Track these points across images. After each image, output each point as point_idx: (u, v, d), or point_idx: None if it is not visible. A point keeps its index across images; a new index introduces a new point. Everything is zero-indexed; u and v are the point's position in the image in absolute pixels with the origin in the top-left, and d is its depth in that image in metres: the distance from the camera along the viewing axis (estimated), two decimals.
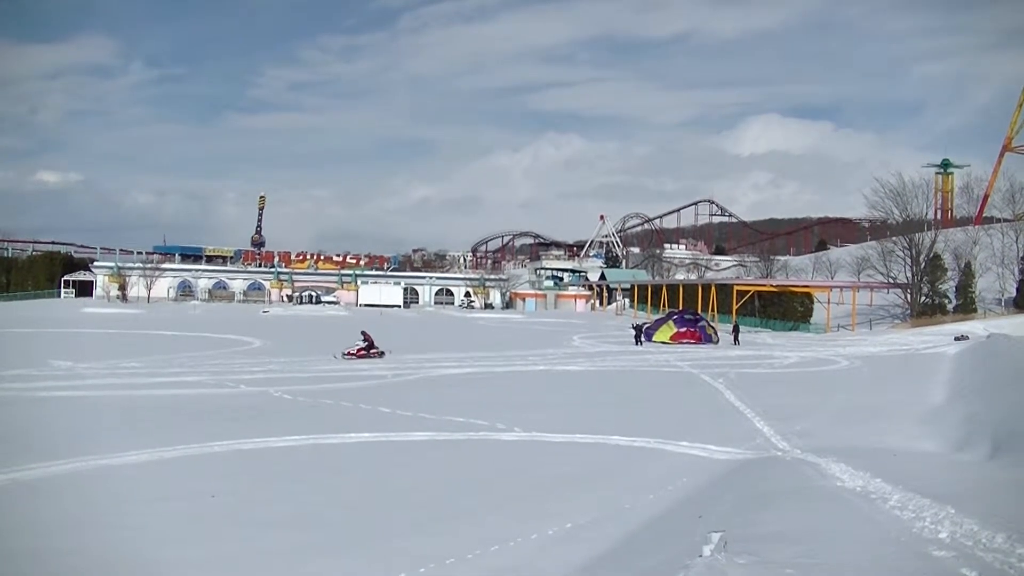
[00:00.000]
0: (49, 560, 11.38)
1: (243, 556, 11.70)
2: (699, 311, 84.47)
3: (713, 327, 66.97)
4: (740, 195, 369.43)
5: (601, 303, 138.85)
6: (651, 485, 15.94)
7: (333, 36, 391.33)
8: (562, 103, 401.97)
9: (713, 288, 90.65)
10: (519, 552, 11.93)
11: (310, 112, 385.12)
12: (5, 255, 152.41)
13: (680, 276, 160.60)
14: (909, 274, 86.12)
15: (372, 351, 44.57)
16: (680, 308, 69.22)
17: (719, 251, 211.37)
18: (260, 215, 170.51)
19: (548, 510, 14.09)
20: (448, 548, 11.93)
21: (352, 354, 43.73)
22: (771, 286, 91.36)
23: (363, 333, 46.07)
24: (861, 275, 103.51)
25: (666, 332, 62.89)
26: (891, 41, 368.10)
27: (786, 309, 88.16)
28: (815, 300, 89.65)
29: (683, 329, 63.23)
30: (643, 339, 60.07)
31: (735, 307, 79.91)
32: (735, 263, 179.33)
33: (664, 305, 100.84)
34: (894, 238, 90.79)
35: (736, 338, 62.99)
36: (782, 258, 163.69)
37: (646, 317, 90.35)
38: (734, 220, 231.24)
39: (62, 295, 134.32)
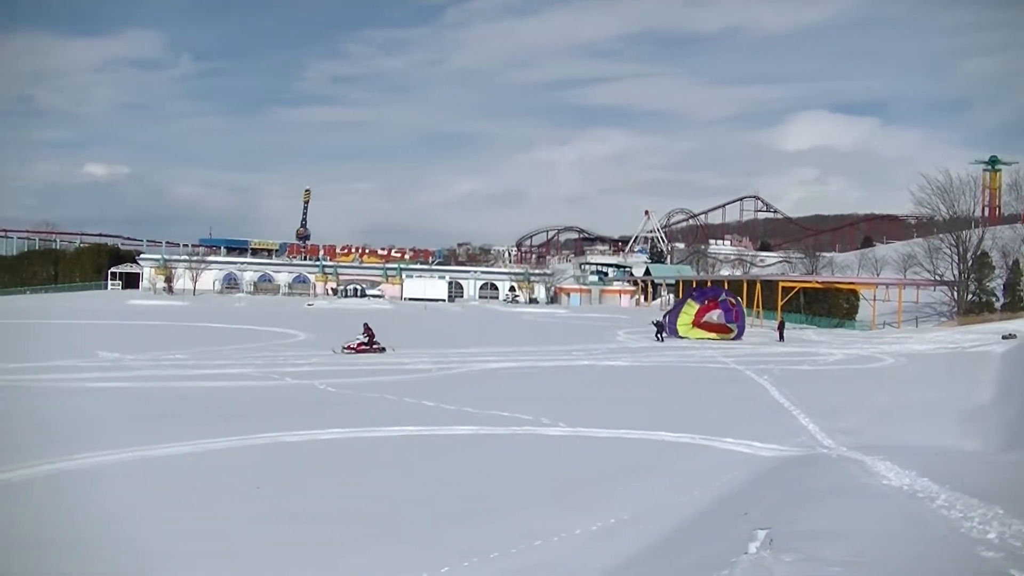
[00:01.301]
0: (94, 550, 11.46)
1: (287, 548, 11.76)
2: (744, 307, 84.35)
3: (738, 301, 66.18)
4: (786, 191, 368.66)
5: (646, 298, 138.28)
6: (696, 481, 15.87)
7: (378, 30, 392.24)
8: (607, 98, 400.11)
9: (758, 284, 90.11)
10: (563, 547, 11.92)
11: (355, 106, 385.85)
12: (53, 247, 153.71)
13: (725, 272, 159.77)
14: (956, 271, 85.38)
15: (374, 345, 43.86)
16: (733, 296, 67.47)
17: (764, 247, 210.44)
18: (305, 208, 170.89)
19: (592, 505, 14.05)
20: (492, 542, 11.94)
21: (352, 348, 43.02)
22: (816, 283, 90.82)
23: (365, 326, 45.24)
24: (907, 272, 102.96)
25: (688, 313, 62.57)
26: (938, 36, 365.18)
27: (831, 306, 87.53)
28: (861, 297, 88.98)
29: (705, 303, 62.79)
30: (664, 334, 59.11)
31: (780, 304, 79.51)
32: (780, 259, 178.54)
33: None
34: (941, 235, 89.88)
35: (781, 335, 62.67)
36: (828, 255, 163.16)
37: None
38: (779, 216, 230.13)
39: (109, 287, 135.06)
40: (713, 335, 60.66)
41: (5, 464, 15.72)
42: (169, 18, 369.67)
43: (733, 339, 60.39)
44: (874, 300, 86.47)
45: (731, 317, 61.69)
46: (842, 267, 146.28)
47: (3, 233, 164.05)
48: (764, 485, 15.59)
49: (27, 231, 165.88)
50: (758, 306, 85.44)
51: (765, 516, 12.34)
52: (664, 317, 65.25)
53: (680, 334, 61.60)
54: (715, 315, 62.05)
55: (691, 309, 62.69)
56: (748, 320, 73.85)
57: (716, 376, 36.93)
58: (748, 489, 15.29)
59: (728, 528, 12.23)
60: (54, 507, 13.45)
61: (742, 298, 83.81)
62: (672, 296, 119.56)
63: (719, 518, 13.31)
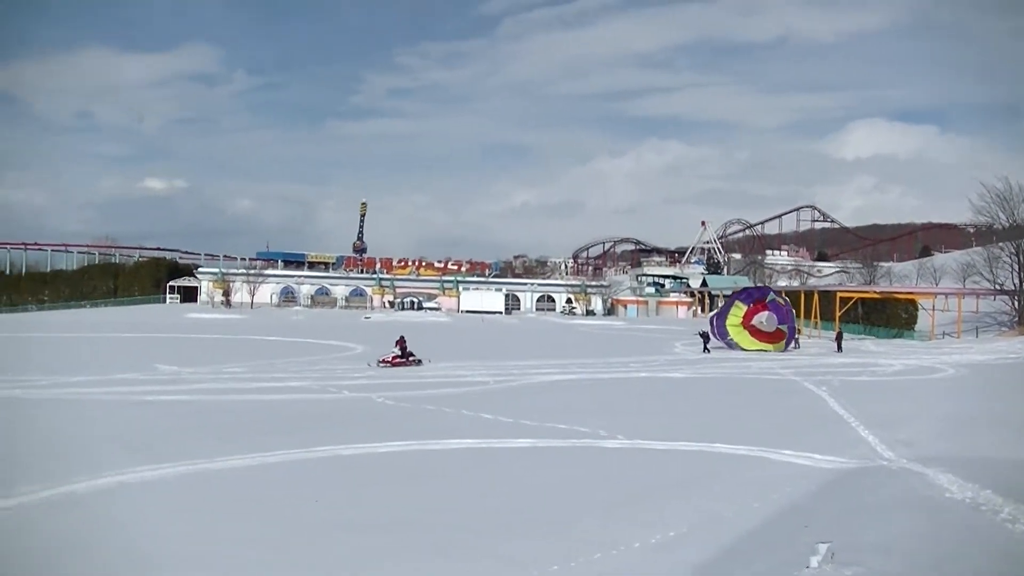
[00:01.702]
0: (154, 561, 11.53)
1: (345, 559, 11.82)
2: (802, 318, 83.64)
3: (786, 300, 65.35)
4: (844, 200, 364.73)
5: (703, 310, 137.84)
6: (755, 493, 15.77)
7: (434, 43, 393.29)
8: (662, 108, 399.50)
9: (816, 295, 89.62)
10: (622, 559, 11.88)
11: (411, 118, 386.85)
12: (113, 261, 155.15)
13: (782, 283, 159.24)
14: (1017, 280, 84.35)
15: (409, 358, 43.75)
16: (783, 298, 66.46)
17: (821, 257, 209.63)
18: (362, 221, 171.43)
19: (651, 518, 13.99)
20: (551, 555, 11.92)
21: (387, 362, 42.90)
22: (874, 293, 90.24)
23: (400, 339, 45.03)
24: (966, 281, 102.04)
25: (736, 315, 61.93)
26: (996, 41, 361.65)
27: (890, 316, 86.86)
28: (919, 307, 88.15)
29: (752, 304, 61.94)
30: (710, 345, 58.62)
31: (838, 314, 78.80)
32: (838, 270, 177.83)
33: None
34: (1000, 243, 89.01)
35: (839, 345, 62.21)
36: (885, 264, 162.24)
37: None
38: (836, 226, 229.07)
39: (167, 300, 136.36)
40: (765, 345, 59.97)
41: (69, 475, 15.91)
42: (225, 34, 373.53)
43: (784, 346, 59.98)
44: (933, 310, 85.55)
45: (781, 317, 60.83)
46: (900, 277, 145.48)
47: (64, 248, 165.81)
48: (824, 498, 15.49)
49: (87, 245, 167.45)
50: (816, 317, 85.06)
51: (826, 529, 12.28)
52: (711, 319, 64.95)
53: (730, 335, 61.51)
54: (764, 317, 61.20)
55: (739, 311, 62.08)
56: (806, 331, 73.46)
57: (774, 387, 36.71)
58: (808, 502, 15.19)
59: (788, 541, 12.18)
60: (114, 518, 13.58)
61: (799, 309, 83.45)
62: None
63: (779, 531, 13.24)
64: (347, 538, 12.67)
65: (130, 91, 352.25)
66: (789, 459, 19.54)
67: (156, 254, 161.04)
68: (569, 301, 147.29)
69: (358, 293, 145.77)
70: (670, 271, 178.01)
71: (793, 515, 14.14)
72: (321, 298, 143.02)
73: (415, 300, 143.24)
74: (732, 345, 61.29)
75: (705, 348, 57.61)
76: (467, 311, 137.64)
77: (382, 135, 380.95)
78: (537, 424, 23.95)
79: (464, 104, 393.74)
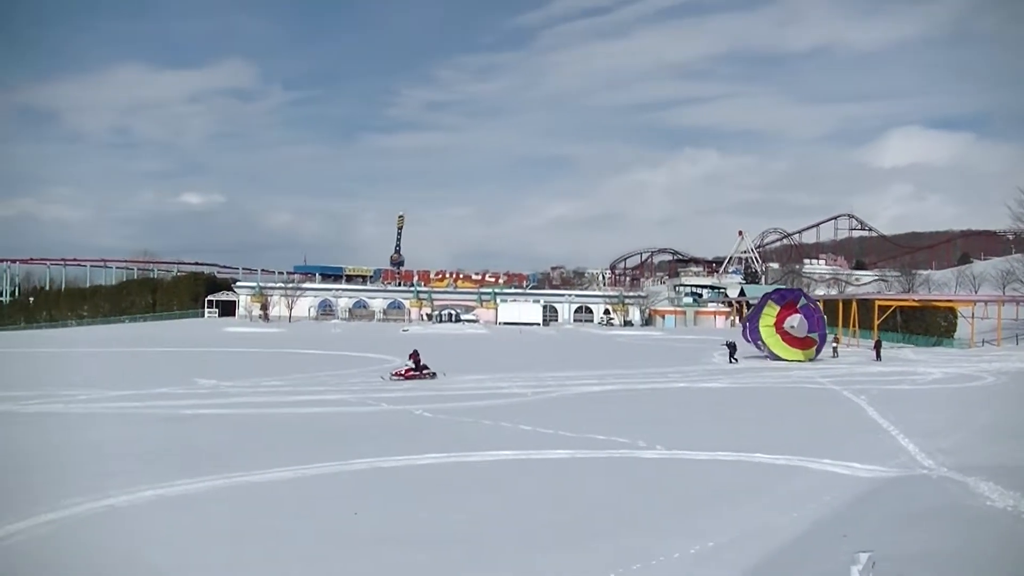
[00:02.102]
0: (193, 575, 11.57)
1: (383, 573, 11.82)
2: (840, 327, 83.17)
3: (818, 306, 64.33)
4: (882, 209, 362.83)
5: (741, 319, 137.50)
6: (794, 503, 15.72)
7: (470, 55, 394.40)
8: (699, 118, 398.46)
9: (854, 303, 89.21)
10: (661, 571, 11.86)
11: (447, 131, 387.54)
12: (151, 276, 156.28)
13: (820, 292, 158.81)
14: None
15: (423, 371, 43.29)
16: (814, 302, 65.13)
17: (859, 266, 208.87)
18: (399, 234, 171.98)
19: (690, 528, 13.97)
20: (589, 566, 11.92)
21: (401, 375, 42.47)
22: (913, 301, 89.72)
23: (413, 352, 44.79)
24: (1006, 289, 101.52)
25: (770, 315, 60.97)
26: None
27: (929, 324, 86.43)
28: (959, 315, 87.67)
29: (785, 305, 60.82)
30: (737, 356, 57.80)
31: (876, 323, 78.47)
32: (876, 278, 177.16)
33: None
34: None
35: (878, 354, 61.88)
36: (924, 272, 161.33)
37: None
38: (874, 234, 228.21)
39: (206, 314, 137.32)
40: (796, 353, 59.05)
41: (109, 489, 16.02)
42: (262, 49, 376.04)
43: (815, 353, 59.25)
44: (972, 318, 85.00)
45: (813, 325, 59.58)
46: (939, 285, 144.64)
47: (103, 263, 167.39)
48: (864, 507, 15.42)
49: (126, 261, 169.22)
50: (854, 325, 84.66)
51: (866, 539, 12.25)
52: (743, 323, 64.61)
53: (763, 338, 60.93)
54: (795, 321, 60.08)
55: (772, 311, 61.08)
56: (844, 340, 73.03)
57: (813, 396, 36.58)
58: (848, 511, 15.13)
59: (829, 551, 12.15)
60: (153, 532, 13.65)
61: (837, 318, 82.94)
62: None
63: (819, 541, 13.19)
64: (386, 552, 12.67)
65: (168, 107, 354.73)
66: (828, 468, 19.46)
67: (194, 269, 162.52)
68: (607, 312, 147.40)
69: (396, 306, 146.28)
70: (707, 281, 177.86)
71: (833, 525, 14.09)
72: (359, 311, 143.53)
73: (453, 312, 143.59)
74: (763, 348, 61.02)
75: (732, 358, 56.97)
76: (505, 323, 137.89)
77: (419, 148, 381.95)
78: (576, 435, 23.94)
79: (500, 116, 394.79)
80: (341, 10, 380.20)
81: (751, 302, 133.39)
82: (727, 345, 59.43)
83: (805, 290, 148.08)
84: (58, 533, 13.46)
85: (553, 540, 13.45)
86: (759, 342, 61.38)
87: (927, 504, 15.01)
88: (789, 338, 59.89)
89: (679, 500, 16.43)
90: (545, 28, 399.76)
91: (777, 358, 58.89)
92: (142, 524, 14.19)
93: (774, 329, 60.63)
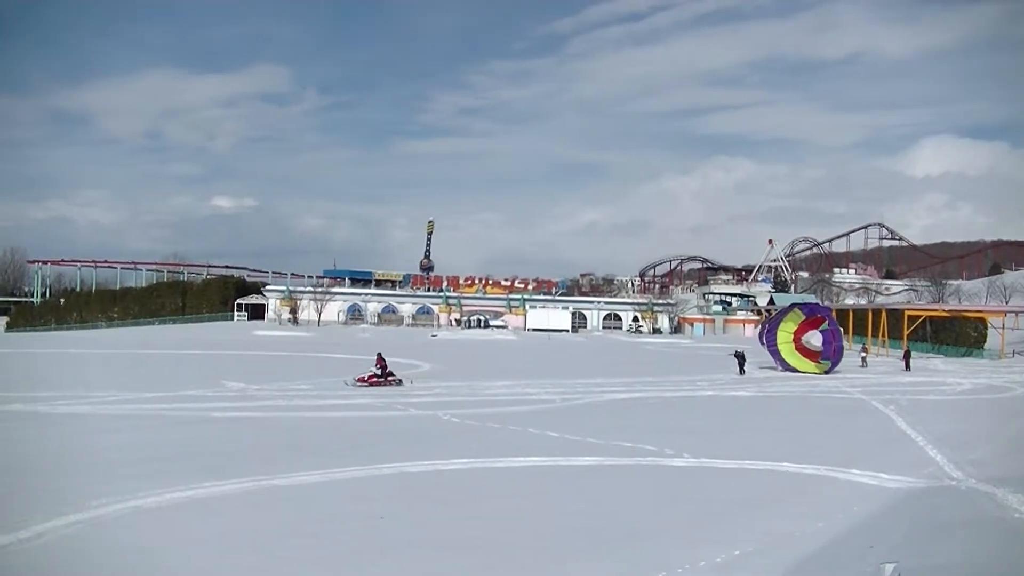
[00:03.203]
0: None
1: None
2: (869, 336, 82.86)
3: (840, 334, 61.48)
4: (913, 218, 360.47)
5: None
6: (821, 513, 15.68)
7: (502, 61, 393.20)
8: (731, 126, 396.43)
9: (884, 313, 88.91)
10: None
11: (479, 137, 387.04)
12: (181, 279, 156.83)
13: (850, 301, 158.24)
14: None
15: (388, 378, 41.83)
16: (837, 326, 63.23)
17: (889, 275, 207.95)
18: (429, 239, 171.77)
19: (716, 536, 13.96)
20: (615, 573, 11.95)
21: (364, 381, 41.31)
22: (943, 311, 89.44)
23: (378, 356, 42.97)
24: None
25: (793, 321, 59.69)
26: None
27: (959, 334, 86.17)
28: (989, 325, 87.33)
29: (810, 318, 59.56)
30: (746, 367, 55.77)
31: (906, 332, 78.18)
32: (906, 288, 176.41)
33: None
34: None
35: (907, 364, 61.66)
36: (954, 282, 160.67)
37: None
38: (904, 244, 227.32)
39: (235, 318, 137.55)
40: (809, 365, 57.59)
41: (137, 490, 16.11)
42: (295, 54, 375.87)
43: (824, 373, 56.34)
44: (1003, 328, 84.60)
45: (828, 352, 57.78)
46: (969, 295, 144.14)
47: (133, 266, 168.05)
48: (891, 518, 15.38)
49: (156, 263, 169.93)
50: (884, 335, 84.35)
51: (893, 549, 12.22)
52: (762, 327, 64.08)
53: (778, 344, 59.71)
54: (814, 338, 59.06)
55: (795, 319, 59.90)
56: (874, 350, 72.70)
57: (841, 406, 36.48)
58: (874, 521, 15.10)
59: (855, 561, 12.13)
60: (180, 533, 13.70)
61: (867, 327, 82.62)
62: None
63: (845, 551, 13.17)
64: (411, 557, 12.69)
65: (201, 111, 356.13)
66: (856, 478, 19.42)
67: (224, 272, 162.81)
68: (636, 319, 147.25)
69: (425, 311, 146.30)
70: (737, 289, 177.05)
71: (860, 535, 14.07)
72: (388, 316, 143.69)
73: (482, 318, 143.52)
74: (776, 357, 59.93)
75: (741, 370, 55.23)
76: (533, 329, 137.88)
77: (450, 154, 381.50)
78: (603, 442, 23.96)
79: (532, 122, 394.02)
80: (375, 15, 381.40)
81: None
82: (736, 356, 56.71)
83: (834, 300, 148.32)
84: (85, 534, 13.53)
85: (578, 547, 13.45)
86: (774, 348, 60.31)
87: (955, 516, 14.97)
88: (805, 350, 58.90)
89: (705, 508, 16.41)
90: (578, 34, 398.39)
91: (789, 368, 57.98)
92: (168, 526, 14.25)
93: (792, 338, 59.59)
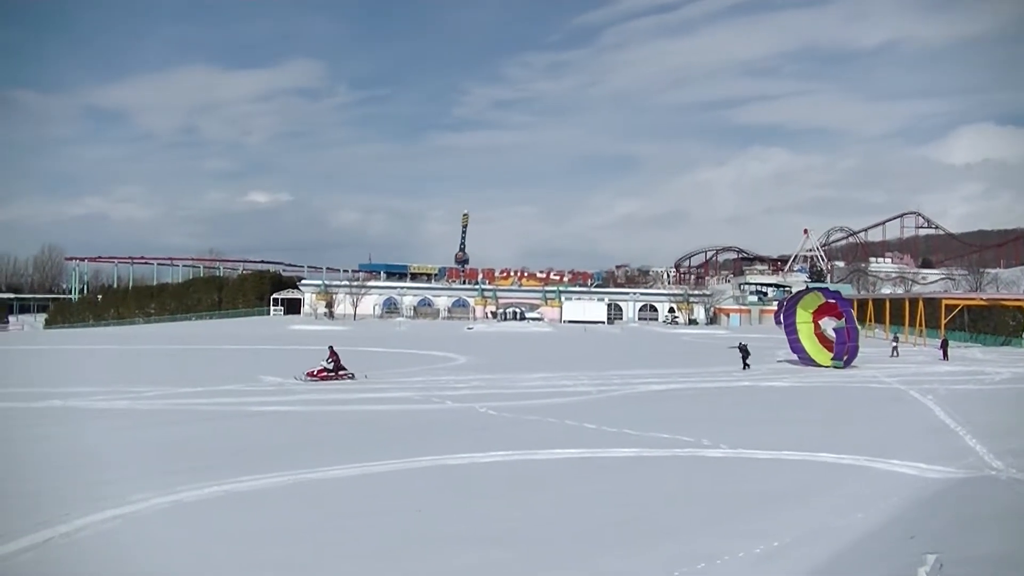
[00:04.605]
0: (257, 571, 11.69)
1: (447, 571, 11.88)
2: (906, 326, 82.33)
3: (856, 334, 55.89)
4: (951, 207, 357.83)
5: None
6: (860, 503, 15.60)
7: (537, 53, 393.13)
8: (767, 116, 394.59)
9: (921, 302, 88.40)
10: (725, 570, 11.82)
11: (514, 129, 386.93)
12: (217, 274, 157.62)
13: (886, 290, 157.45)
14: None
15: (340, 372, 40.98)
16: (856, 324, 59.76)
17: (926, 264, 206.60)
18: (464, 232, 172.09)
19: (754, 528, 13.91)
20: (654, 565, 11.90)
21: (314, 375, 40.28)
22: (981, 300, 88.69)
23: (330, 349, 41.86)
24: None
25: (813, 303, 56.46)
26: None
27: (997, 324, 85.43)
28: None
29: (830, 302, 55.79)
30: (751, 360, 51.71)
31: (943, 322, 77.75)
32: (943, 277, 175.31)
33: (870, 320, 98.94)
34: None
35: (945, 353, 61.29)
36: (992, 271, 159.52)
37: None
38: (941, 232, 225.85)
39: (271, 312, 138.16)
40: (824, 356, 54.13)
41: (176, 485, 16.24)
42: (329, 48, 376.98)
43: (838, 365, 52.98)
44: None
45: (840, 352, 53.64)
46: (1008, 283, 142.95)
47: (170, 261, 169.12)
48: (931, 508, 15.29)
49: (192, 259, 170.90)
50: (921, 325, 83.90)
51: (933, 540, 12.15)
52: (779, 305, 62.98)
53: (799, 335, 56.50)
54: (831, 325, 55.48)
55: (816, 300, 56.82)
56: (910, 339, 72.13)
57: (879, 396, 36.28)
58: (914, 512, 15.01)
59: (895, 552, 12.06)
60: (219, 527, 13.75)
61: (904, 316, 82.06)
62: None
63: (885, 542, 13.10)
64: (451, 550, 12.70)
65: (235, 106, 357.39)
66: (895, 469, 19.30)
67: (260, 267, 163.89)
68: (671, 310, 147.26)
69: (460, 304, 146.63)
70: (773, 279, 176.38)
71: (899, 526, 13.99)
72: (423, 309, 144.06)
73: (517, 310, 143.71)
74: (796, 344, 56.95)
75: (745, 364, 51.19)
76: (569, 321, 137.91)
77: (485, 147, 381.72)
78: (640, 433, 23.92)
79: (567, 115, 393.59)
80: (408, 8, 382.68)
81: None
82: (740, 348, 52.93)
83: (871, 289, 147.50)
84: (124, 528, 13.62)
85: (617, 539, 13.43)
86: (792, 328, 57.02)
87: (996, 506, 14.87)
88: (823, 337, 55.86)
89: (743, 499, 16.35)
90: (611, 25, 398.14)
91: (806, 358, 55.33)
92: (208, 520, 14.30)
93: (811, 318, 56.46)
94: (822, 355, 54.23)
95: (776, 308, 59.37)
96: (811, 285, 67.26)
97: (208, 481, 16.75)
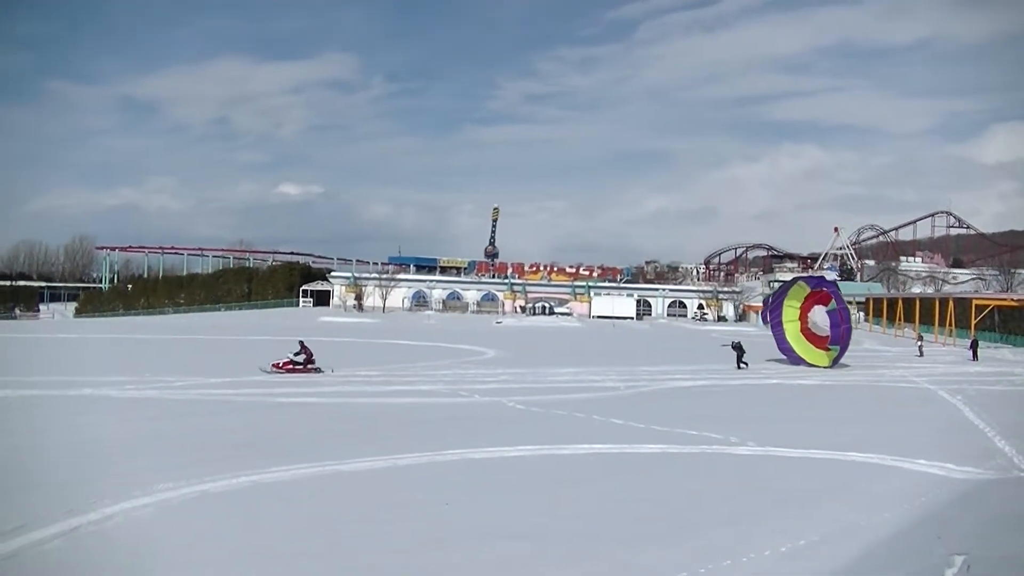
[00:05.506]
0: (284, 562, 11.74)
1: (473, 565, 11.90)
2: (936, 326, 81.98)
3: (849, 316, 55.06)
4: (984, 206, 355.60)
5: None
6: (887, 503, 15.59)
7: (570, 48, 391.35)
8: (800, 112, 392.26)
9: (951, 302, 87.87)
10: (752, 568, 11.85)
11: (546, 124, 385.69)
12: (247, 265, 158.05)
13: (916, 290, 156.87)
14: None
15: (308, 366, 40.08)
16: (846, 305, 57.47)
17: (956, 264, 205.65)
18: (494, 226, 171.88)
19: (781, 526, 13.92)
20: (680, 561, 11.93)
21: (279, 367, 39.66)
22: (1012, 300, 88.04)
23: (300, 343, 41.01)
24: None
25: (798, 297, 54.68)
26: None
27: None
28: None
29: (815, 291, 54.14)
30: (746, 360, 49.77)
31: (973, 322, 77.28)
32: (973, 276, 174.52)
33: (899, 319, 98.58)
34: None
35: (975, 354, 60.96)
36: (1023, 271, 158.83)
37: (880, 332, 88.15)
38: (972, 232, 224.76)
39: (300, 304, 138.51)
40: (817, 355, 52.41)
41: (204, 475, 16.35)
42: (363, 41, 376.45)
43: (831, 364, 51.19)
44: None
45: (836, 336, 52.23)
46: None
47: (200, 252, 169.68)
48: (958, 508, 15.27)
49: (222, 250, 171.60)
50: (951, 325, 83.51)
51: (961, 541, 12.14)
52: (768, 299, 62.02)
53: (787, 335, 54.85)
54: (819, 317, 53.73)
55: (801, 292, 54.93)
56: (940, 339, 71.76)
57: (907, 396, 36.15)
58: (942, 512, 14.99)
59: (922, 552, 12.05)
60: (246, 517, 13.82)
61: (934, 316, 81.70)
62: (862, 315, 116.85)
63: (912, 542, 13.09)
64: (477, 544, 12.74)
65: (268, 98, 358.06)
66: (923, 468, 19.27)
67: (290, 258, 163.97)
68: (701, 307, 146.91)
69: (489, 298, 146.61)
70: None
71: (927, 526, 13.97)
72: (452, 303, 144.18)
73: (546, 305, 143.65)
74: (784, 343, 55.21)
75: (739, 363, 49.17)
76: (598, 316, 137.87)
77: (517, 141, 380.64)
78: (668, 430, 23.95)
79: (599, 109, 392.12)
80: (442, 2, 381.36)
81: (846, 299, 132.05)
82: (734, 347, 50.71)
83: (901, 288, 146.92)
84: (153, 517, 13.74)
85: (643, 534, 13.46)
86: (779, 326, 55.64)
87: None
88: (811, 335, 54.03)
89: (770, 497, 16.36)
90: (646, 20, 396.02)
91: (795, 358, 53.66)
92: (235, 510, 14.40)
93: (798, 315, 54.73)
94: (813, 354, 52.61)
95: (763, 308, 57.89)
96: (796, 276, 65.52)
97: (236, 471, 16.87)
